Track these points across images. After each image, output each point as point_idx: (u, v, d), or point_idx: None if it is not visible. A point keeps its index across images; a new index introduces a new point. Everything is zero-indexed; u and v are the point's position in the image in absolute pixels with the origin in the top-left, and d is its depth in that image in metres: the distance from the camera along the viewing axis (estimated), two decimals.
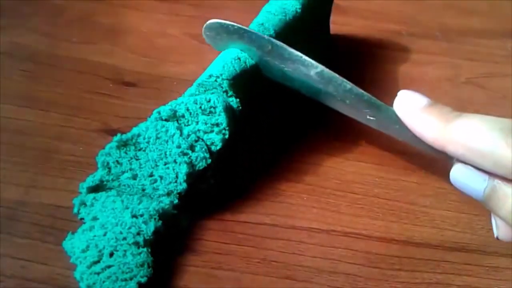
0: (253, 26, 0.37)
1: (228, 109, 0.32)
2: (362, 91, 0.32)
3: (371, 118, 0.32)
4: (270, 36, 0.36)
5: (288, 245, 0.32)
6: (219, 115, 0.32)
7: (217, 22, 0.35)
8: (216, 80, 0.33)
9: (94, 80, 0.42)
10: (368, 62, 0.48)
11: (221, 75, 0.33)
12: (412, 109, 0.29)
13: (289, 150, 0.38)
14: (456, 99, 0.44)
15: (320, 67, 0.33)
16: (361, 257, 0.32)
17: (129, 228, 0.29)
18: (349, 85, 0.33)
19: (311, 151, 0.38)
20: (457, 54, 0.50)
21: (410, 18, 0.54)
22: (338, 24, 0.49)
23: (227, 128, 0.32)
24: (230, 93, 0.33)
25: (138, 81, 0.42)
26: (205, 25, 0.36)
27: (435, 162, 0.38)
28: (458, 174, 0.28)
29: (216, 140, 0.32)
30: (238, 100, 0.33)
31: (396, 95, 0.44)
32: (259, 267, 0.31)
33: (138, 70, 0.43)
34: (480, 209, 0.35)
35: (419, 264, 0.32)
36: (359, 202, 0.35)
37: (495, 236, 0.29)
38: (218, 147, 0.32)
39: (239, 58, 0.34)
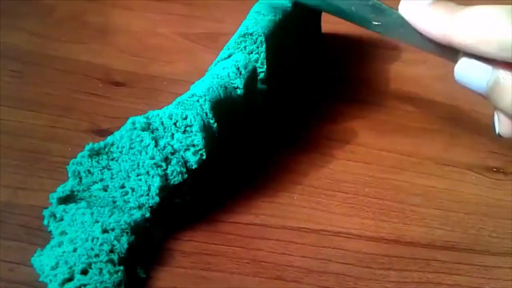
0: (242, 29, 0.37)
1: (206, 128, 0.31)
2: None
3: (377, 23, 0.32)
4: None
5: (277, 245, 0.32)
6: (195, 135, 0.31)
7: None
8: (198, 100, 0.32)
9: (83, 80, 0.41)
10: (360, 61, 0.47)
11: (205, 95, 0.32)
12: (418, 7, 0.29)
13: (279, 150, 0.38)
14: (449, 98, 0.44)
15: None
16: (351, 257, 0.32)
17: (101, 244, 0.28)
18: None
19: (302, 150, 0.38)
20: None
21: None
22: (330, 22, 0.49)
23: (203, 149, 0.31)
24: (210, 115, 0.31)
25: (128, 81, 0.42)
26: None
27: (425, 161, 0.38)
28: (463, 67, 0.28)
29: (192, 160, 0.31)
30: (216, 125, 0.32)
31: (388, 93, 0.44)
32: (248, 267, 0.31)
33: (128, 70, 0.43)
34: (470, 208, 0.36)
35: (409, 264, 0.32)
36: (349, 201, 0.35)
37: (496, 132, 0.30)
38: (194, 167, 0.31)
39: (225, 87, 0.33)
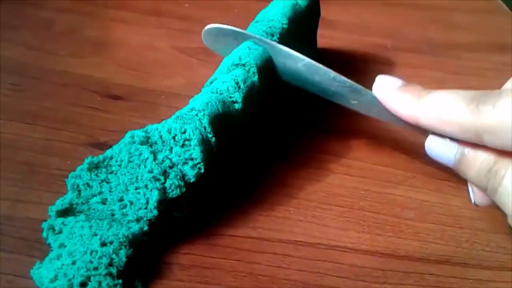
0: (235, 59, 0.37)
1: (205, 142, 0.31)
2: (345, 79, 0.36)
3: (354, 101, 0.36)
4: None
5: (274, 258, 0.32)
6: (193, 148, 0.31)
7: (214, 27, 0.39)
8: (197, 115, 0.32)
9: (81, 93, 0.42)
10: (354, 76, 0.47)
11: (203, 110, 0.32)
12: (388, 91, 0.32)
13: (276, 164, 0.38)
14: None
15: (306, 59, 0.36)
16: (347, 270, 0.32)
17: (100, 257, 0.28)
18: (332, 73, 0.36)
19: (298, 164, 0.38)
20: (442, 67, 0.51)
21: (396, 32, 0.55)
22: (325, 37, 0.50)
23: (202, 163, 0.31)
24: (208, 129, 0.32)
25: (125, 94, 0.42)
26: (203, 30, 0.39)
27: (420, 175, 0.39)
28: (432, 144, 0.31)
29: (190, 174, 0.31)
30: (214, 139, 0.32)
31: None
32: (245, 281, 0.31)
33: (126, 83, 0.43)
34: (464, 222, 0.36)
35: (404, 277, 0.32)
36: (345, 215, 0.35)
37: (473, 202, 0.33)
38: (192, 181, 0.31)
39: (224, 102, 0.33)
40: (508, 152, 0.28)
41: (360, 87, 0.35)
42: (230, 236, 0.33)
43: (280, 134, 0.40)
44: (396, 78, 0.33)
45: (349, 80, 0.35)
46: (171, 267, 0.31)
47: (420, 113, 0.30)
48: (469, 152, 0.30)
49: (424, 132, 0.32)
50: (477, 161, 0.30)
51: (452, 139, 0.31)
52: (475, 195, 0.33)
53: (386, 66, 0.50)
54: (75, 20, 0.50)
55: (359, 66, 0.49)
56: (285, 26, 0.39)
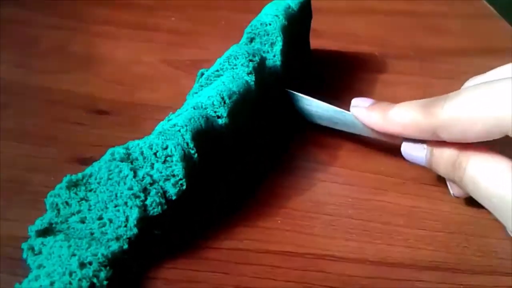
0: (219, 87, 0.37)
1: (187, 158, 0.31)
2: (327, 105, 0.39)
3: (336, 122, 0.39)
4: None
5: (261, 270, 0.32)
6: (175, 165, 0.31)
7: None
8: (179, 130, 0.32)
9: (67, 109, 0.42)
10: (343, 84, 0.48)
11: (186, 125, 0.32)
12: (361, 110, 0.37)
13: (262, 173, 0.38)
14: None
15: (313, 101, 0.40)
16: (336, 280, 0.32)
17: (80, 280, 0.27)
18: (315, 102, 0.40)
19: (285, 173, 0.38)
20: (430, 73, 0.50)
21: (383, 39, 0.54)
22: (313, 47, 0.50)
23: (183, 179, 0.31)
24: (191, 145, 0.31)
25: (112, 109, 0.42)
26: None
27: (409, 181, 0.39)
28: (406, 149, 0.36)
29: (171, 191, 0.31)
30: (197, 155, 0.32)
31: None
32: None
33: (112, 98, 0.43)
34: (454, 227, 0.36)
35: (394, 285, 0.32)
36: (333, 223, 0.35)
37: (451, 194, 0.36)
38: (173, 198, 0.31)
39: (207, 118, 0.33)
40: (468, 145, 0.32)
41: (340, 110, 0.38)
42: (216, 249, 0.33)
43: (266, 144, 0.40)
44: (367, 98, 0.37)
45: (331, 106, 0.39)
46: (155, 282, 0.30)
47: (387, 125, 0.35)
48: (436, 150, 0.34)
49: (399, 140, 0.36)
50: (443, 158, 0.34)
51: (421, 141, 0.35)
52: (454, 188, 0.36)
53: (375, 74, 0.50)
54: (61, 36, 0.50)
55: (347, 75, 0.49)
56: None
